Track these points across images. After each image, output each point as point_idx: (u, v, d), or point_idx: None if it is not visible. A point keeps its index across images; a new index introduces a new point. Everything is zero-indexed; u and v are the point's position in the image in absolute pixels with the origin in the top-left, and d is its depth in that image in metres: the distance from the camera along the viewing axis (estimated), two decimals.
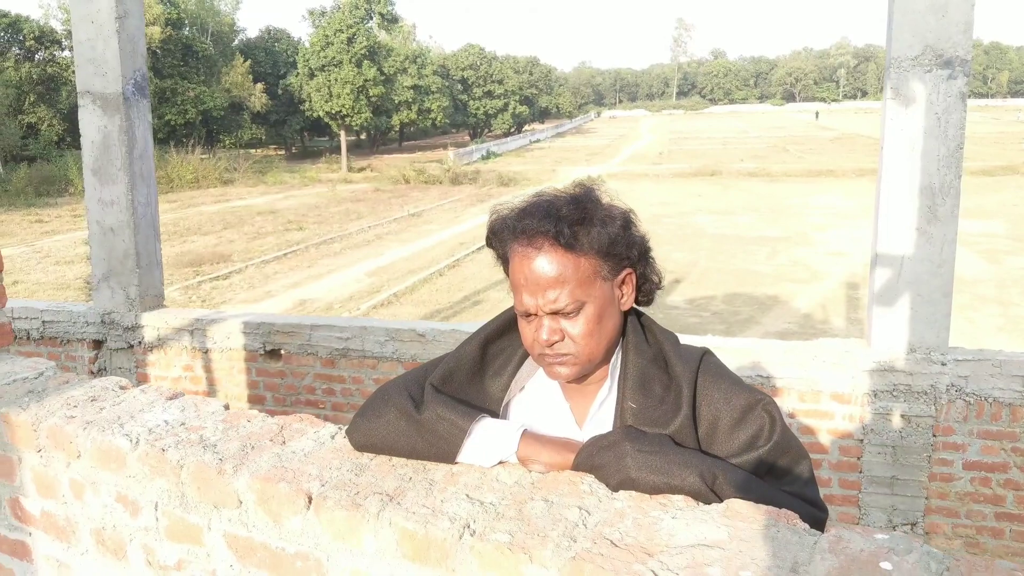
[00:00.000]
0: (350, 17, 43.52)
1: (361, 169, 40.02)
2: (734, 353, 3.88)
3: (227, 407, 1.52)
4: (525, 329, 1.29)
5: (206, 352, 4.89)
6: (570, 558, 0.98)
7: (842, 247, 16.82)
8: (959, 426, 3.62)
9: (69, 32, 38.83)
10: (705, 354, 1.31)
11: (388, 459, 1.28)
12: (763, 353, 3.87)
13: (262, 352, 4.78)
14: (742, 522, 1.03)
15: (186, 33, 42.25)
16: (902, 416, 3.70)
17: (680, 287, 14.28)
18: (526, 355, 1.37)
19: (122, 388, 1.66)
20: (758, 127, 72.34)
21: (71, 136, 37.00)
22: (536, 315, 1.25)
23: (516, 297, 1.28)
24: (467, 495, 1.14)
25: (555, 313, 1.24)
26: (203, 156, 35.83)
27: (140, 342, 4.99)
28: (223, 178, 34.59)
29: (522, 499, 1.13)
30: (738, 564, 0.94)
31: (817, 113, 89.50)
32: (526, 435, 1.24)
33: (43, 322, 5.15)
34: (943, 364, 3.59)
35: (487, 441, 1.23)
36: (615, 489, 1.14)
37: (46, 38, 38.18)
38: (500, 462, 1.24)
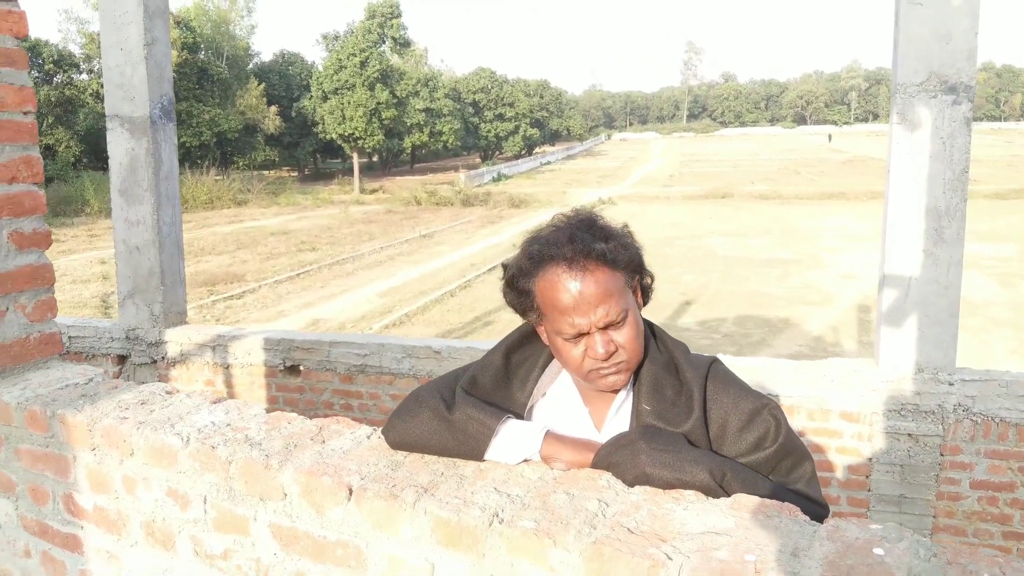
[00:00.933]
0: (363, 41, 44.10)
1: (373, 191, 40.37)
2: (744, 372, 3.93)
3: (267, 410, 1.64)
4: (571, 351, 1.36)
5: (227, 367, 5.02)
6: (591, 543, 1.09)
7: (854, 270, 16.85)
8: (966, 445, 3.68)
9: (87, 56, 39.60)
10: (714, 362, 1.42)
11: (421, 456, 1.39)
12: (773, 372, 3.95)
13: (282, 368, 4.90)
14: (748, 513, 1.13)
15: (202, 57, 42.92)
16: (910, 435, 3.76)
17: (691, 309, 14.32)
18: (547, 363, 1.48)
19: (168, 393, 1.78)
20: (769, 150, 72.52)
21: (88, 157, 37.55)
22: (588, 334, 1.35)
23: (560, 322, 1.35)
24: (495, 488, 1.25)
25: (607, 327, 1.34)
26: (217, 177, 36.26)
27: (163, 357, 5.12)
28: (237, 199, 34.98)
29: (546, 492, 1.23)
30: (744, 548, 1.04)
31: (830, 136, 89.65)
32: (549, 435, 1.34)
33: (69, 337, 5.29)
34: (950, 384, 3.66)
35: (513, 440, 1.34)
36: (631, 484, 1.24)
37: (64, 61, 38.89)
38: (525, 460, 1.34)
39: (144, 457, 1.56)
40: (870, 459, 3.84)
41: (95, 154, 37.23)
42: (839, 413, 3.87)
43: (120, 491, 1.62)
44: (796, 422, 3.91)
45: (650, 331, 1.46)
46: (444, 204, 33.12)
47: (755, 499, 1.16)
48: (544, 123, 71.80)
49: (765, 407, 1.34)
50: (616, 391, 1.41)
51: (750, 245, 21.03)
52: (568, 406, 1.46)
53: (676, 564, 1.03)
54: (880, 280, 3.83)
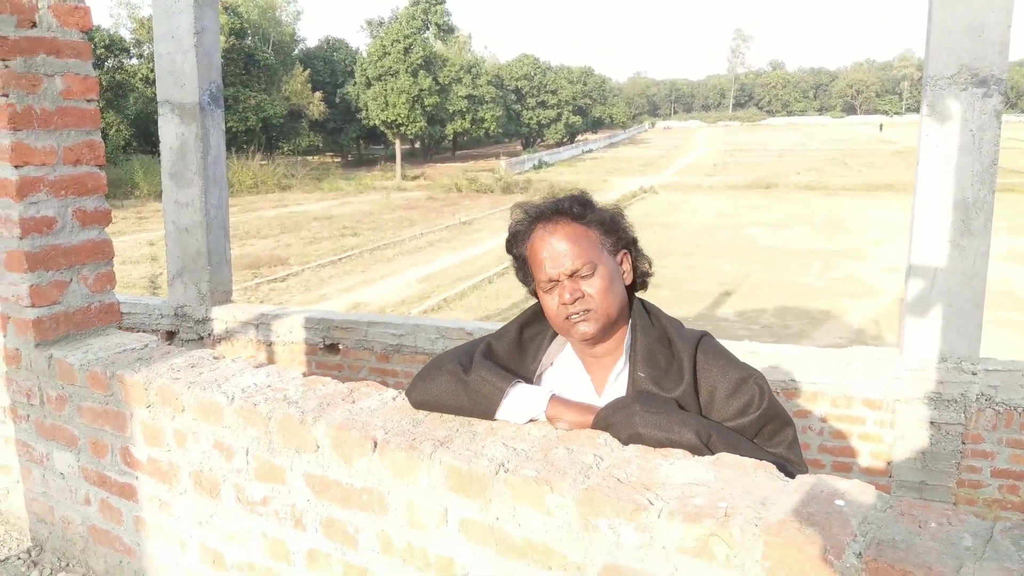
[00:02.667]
0: (407, 27, 44.37)
1: (415, 177, 40.70)
2: (769, 359, 4.04)
3: (304, 375, 1.80)
4: (549, 302, 1.53)
5: (270, 345, 5.24)
6: (583, 489, 1.22)
7: (898, 262, 16.58)
8: (988, 434, 3.72)
9: (137, 41, 40.44)
10: (704, 336, 1.55)
11: (439, 416, 1.54)
12: (797, 359, 4.02)
13: (321, 346, 5.10)
14: (727, 469, 1.25)
15: (248, 43, 43.54)
16: (932, 423, 3.81)
17: (731, 300, 14.24)
18: (554, 337, 1.62)
19: (215, 358, 1.96)
20: (816, 139, 71.18)
21: (137, 141, 38.38)
22: (558, 282, 1.50)
23: (539, 274, 1.53)
24: (503, 443, 1.39)
25: (573, 275, 1.49)
26: (262, 162, 36.88)
27: (209, 334, 5.35)
28: (281, 184, 35.56)
29: (548, 447, 1.37)
30: (718, 497, 1.17)
31: (881, 125, 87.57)
32: (554, 398, 1.48)
33: (122, 314, 5.56)
34: (974, 374, 3.70)
35: (521, 402, 1.48)
36: (625, 443, 1.38)
37: (115, 46, 39.69)
38: (532, 420, 1.48)
39: (194, 413, 1.73)
40: (892, 446, 3.90)
41: (144, 138, 38.06)
42: (862, 400, 3.92)
43: (172, 444, 1.80)
44: (819, 409, 3.98)
45: (644, 308, 1.58)
46: (484, 191, 33.27)
47: (736, 457, 1.29)
48: (587, 110, 71.46)
49: (751, 377, 1.47)
50: (592, 340, 1.53)
51: (793, 236, 20.78)
52: (572, 374, 1.60)
53: (656, 508, 1.16)
54: (906, 270, 3.87)
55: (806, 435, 3.97)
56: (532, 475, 1.27)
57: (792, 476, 1.27)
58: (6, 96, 1.97)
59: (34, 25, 2.01)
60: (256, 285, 15.44)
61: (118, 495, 1.98)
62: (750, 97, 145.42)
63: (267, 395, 1.68)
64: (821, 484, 1.19)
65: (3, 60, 1.95)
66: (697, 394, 1.45)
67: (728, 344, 4.23)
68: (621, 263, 1.56)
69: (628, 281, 1.57)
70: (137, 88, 38.90)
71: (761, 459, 1.30)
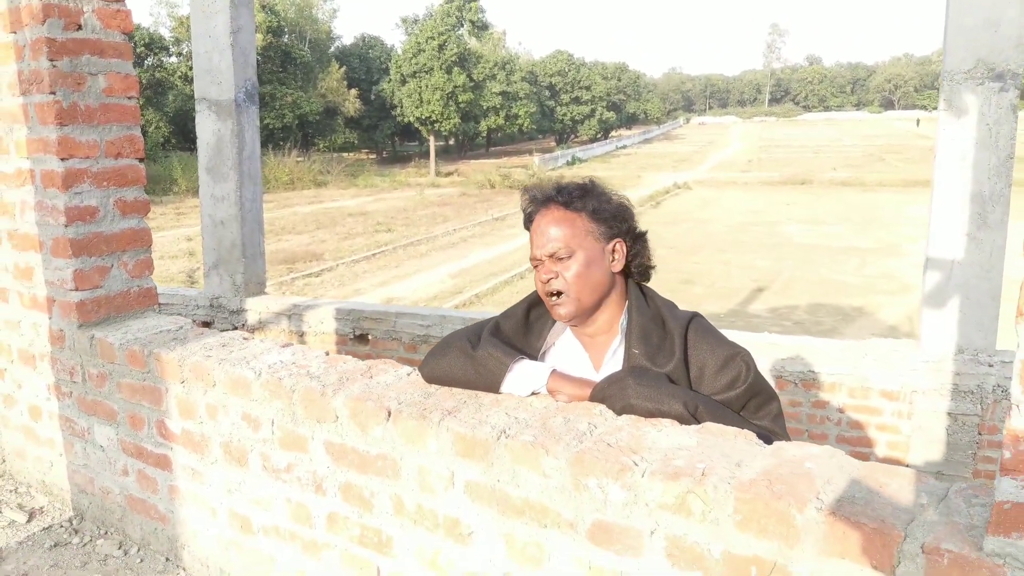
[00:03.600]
0: (441, 24, 44.64)
1: (448, 174, 40.96)
2: (788, 350, 4.09)
3: (327, 353, 1.93)
4: (535, 278, 1.66)
5: (301, 335, 5.41)
6: (575, 452, 1.33)
7: None
8: (1004, 425, 3.74)
9: (177, 39, 41.16)
10: (695, 316, 1.65)
11: (449, 389, 1.66)
12: (815, 351, 4.07)
13: (351, 336, 5.25)
14: (709, 436, 1.35)
15: (285, 40, 44.15)
16: (949, 414, 3.84)
17: (763, 296, 14.16)
18: (554, 320, 1.73)
19: (245, 339, 2.10)
20: (853, 135, 70.05)
21: (176, 138, 39.06)
22: (541, 261, 1.63)
23: (530, 253, 1.68)
24: (506, 413, 1.50)
25: (552, 257, 1.62)
26: (298, 159, 37.39)
27: (243, 324, 5.54)
28: (317, 180, 36.02)
29: (547, 416, 1.48)
30: (697, 459, 1.27)
31: (918, 121, 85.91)
32: (554, 373, 1.59)
33: (160, 304, 5.77)
34: (990, 365, 3.72)
35: (524, 376, 1.59)
36: (619, 413, 1.48)
37: (155, 44, 40.42)
38: (533, 393, 1.59)
39: (224, 388, 1.87)
40: (909, 436, 3.93)
41: (183, 135, 38.73)
42: (879, 391, 3.96)
43: (204, 416, 1.95)
44: (836, 399, 4.03)
45: (640, 291, 1.69)
46: (518, 188, 33.12)
47: (719, 426, 1.39)
48: (621, 106, 71.23)
49: (738, 354, 1.57)
50: (567, 322, 1.67)
51: (827, 232, 20.56)
52: (573, 352, 1.72)
53: (640, 469, 1.26)
54: (924, 263, 3.90)
55: (824, 425, 4.03)
56: (530, 440, 1.38)
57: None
58: (53, 93, 2.13)
59: (79, 28, 2.17)
60: (291, 280, 15.73)
61: (154, 465, 2.13)
62: (786, 92, 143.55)
63: (291, 371, 1.82)
64: (794, 448, 1.28)
65: (51, 60, 2.11)
66: (688, 369, 1.55)
67: (749, 335, 4.29)
68: (613, 251, 1.65)
69: (616, 268, 1.66)
70: (176, 86, 39.61)
71: (743, 428, 1.39)
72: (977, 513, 1.11)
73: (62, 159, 2.15)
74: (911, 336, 11.75)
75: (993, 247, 3.65)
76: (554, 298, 1.62)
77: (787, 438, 1.52)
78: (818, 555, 1.12)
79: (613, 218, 1.65)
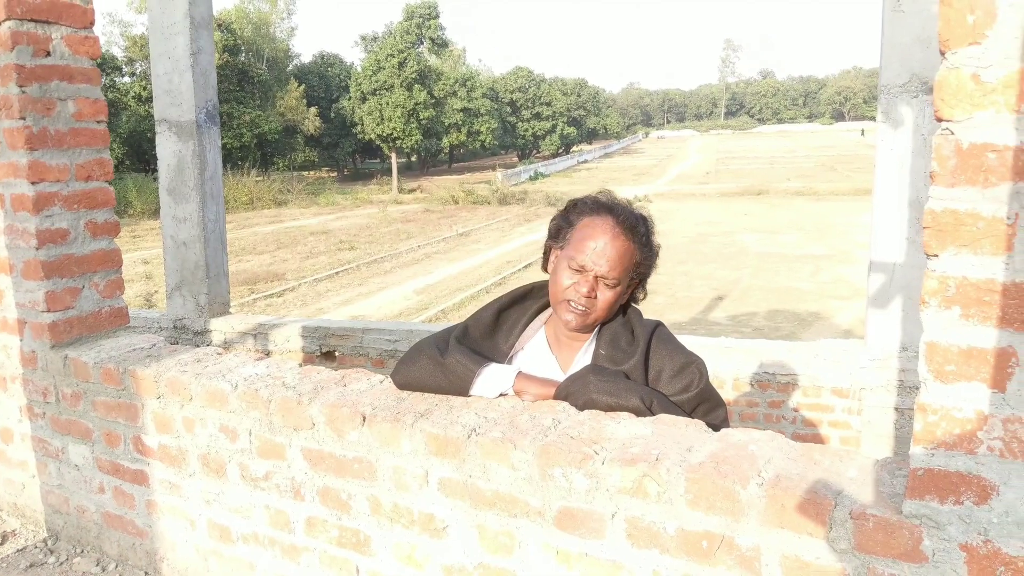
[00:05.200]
0: (401, 42, 44.77)
1: (411, 190, 40.96)
2: (745, 353, 4.24)
3: (301, 365, 2.01)
4: (564, 277, 1.69)
5: (268, 354, 5.43)
6: (541, 445, 1.44)
7: None
8: (915, 401, 3.92)
9: (130, 59, 40.63)
10: (658, 325, 1.77)
11: (421, 394, 1.75)
12: (770, 352, 4.24)
13: (318, 354, 5.30)
14: (663, 426, 1.46)
15: (242, 59, 43.83)
16: (896, 409, 4.02)
17: (723, 304, 14.41)
18: (528, 323, 1.83)
19: (219, 353, 2.16)
20: (806, 146, 71.64)
21: (130, 160, 38.43)
22: (586, 271, 1.67)
23: (577, 253, 1.67)
24: (476, 413, 1.61)
25: (600, 278, 1.67)
26: (258, 178, 37.05)
27: (208, 345, 5.55)
28: (277, 200, 35.74)
29: (514, 415, 1.59)
30: (652, 446, 1.38)
31: (863, 131, 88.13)
32: (520, 374, 1.70)
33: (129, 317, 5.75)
34: None
35: (492, 379, 1.70)
36: (581, 408, 1.59)
37: (107, 65, 39.65)
38: (501, 394, 1.69)
39: (201, 401, 1.94)
40: (860, 431, 4.10)
41: (137, 156, 38.13)
42: (831, 389, 4.13)
43: (181, 430, 2.01)
44: (792, 398, 4.19)
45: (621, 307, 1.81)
46: (481, 203, 33.50)
47: (672, 417, 1.51)
48: (581, 121, 71.99)
49: (693, 363, 1.70)
50: (571, 329, 1.74)
51: (783, 241, 21.01)
52: (541, 355, 1.82)
53: (601, 457, 1.37)
54: (868, 266, 4.09)
55: (780, 424, 4.18)
56: (499, 436, 1.48)
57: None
58: (23, 119, 2.18)
59: (48, 54, 2.23)
60: (253, 301, 15.59)
61: (131, 481, 2.18)
62: (741, 106, 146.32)
63: (267, 382, 1.89)
64: (739, 434, 1.40)
65: (21, 86, 2.17)
66: (646, 371, 1.67)
67: (707, 340, 4.44)
68: (629, 288, 1.76)
69: (622, 301, 1.77)
70: (129, 106, 39.01)
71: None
72: (899, 482, 1.23)
73: (33, 183, 2.21)
74: (860, 339, 12.06)
75: None
76: (576, 305, 1.68)
77: None
78: (761, 526, 1.24)
79: (650, 265, 1.75)
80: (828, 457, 1.30)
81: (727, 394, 4.18)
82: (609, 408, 1.57)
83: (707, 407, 1.68)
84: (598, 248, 1.66)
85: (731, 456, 1.31)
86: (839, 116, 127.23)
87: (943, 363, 1.09)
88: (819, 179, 37.52)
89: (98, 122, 2.39)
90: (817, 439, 4.15)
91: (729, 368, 4.16)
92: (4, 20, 2.14)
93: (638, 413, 1.55)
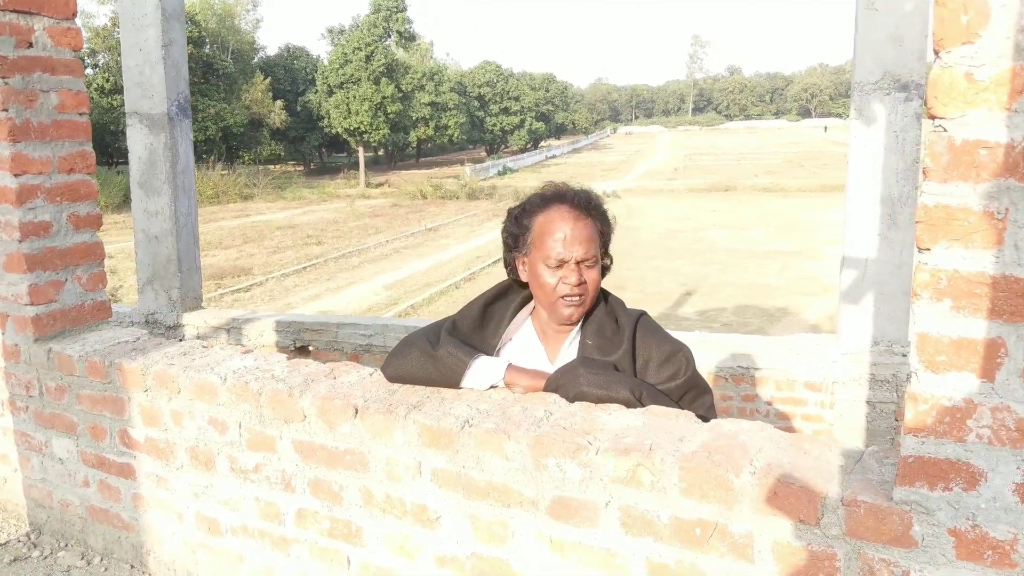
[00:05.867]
0: (368, 35, 44.44)
1: (379, 185, 40.72)
2: (719, 347, 4.31)
3: (288, 357, 2.01)
4: (548, 277, 1.71)
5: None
6: (535, 435, 1.46)
7: None
8: (906, 391, 4.02)
9: (92, 50, 39.83)
10: (642, 315, 1.80)
11: (412, 387, 1.76)
12: (744, 347, 4.30)
13: (292, 348, 5.26)
14: (654, 417, 1.50)
15: (207, 51, 43.17)
16: (867, 402, 4.11)
17: (691, 299, 14.56)
18: (514, 314, 1.86)
19: (205, 347, 2.16)
20: (773, 143, 72.53)
21: (95, 153, 37.71)
22: (567, 262, 1.70)
23: (550, 250, 1.70)
24: (468, 405, 1.62)
25: (582, 262, 1.70)
26: (223, 172, 36.59)
27: (181, 339, 5.48)
28: (243, 194, 35.33)
29: (506, 406, 1.61)
30: (644, 437, 1.41)
31: (826, 127, 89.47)
32: (511, 367, 1.72)
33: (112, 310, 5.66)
34: (904, 355, 4.00)
35: (482, 371, 1.71)
36: (571, 400, 1.62)
37: None
38: (492, 387, 1.71)
39: (190, 394, 1.93)
40: (832, 424, 4.19)
41: (100, 149, 37.35)
42: (804, 383, 4.21)
43: (169, 424, 2.00)
44: (765, 392, 4.27)
45: (601, 292, 1.83)
46: (450, 198, 33.46)
47: (662, 408, 1.54)
48: (550, 117, 72.10)
49: (679, 351, 1.74)
50: (572, 323, 1.77)
51: (751, 237, 21.28)
52: (529, 346, 1.84)
53: (594, 447, 1.40)
54: (841, 262, 4.17)
55: (754, 417, 4.25)
56: (492, 427, 1.50)
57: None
58: (6, 111, 2.15)
59: (31, 45, 2.20)
60: (220, 296, 15.41)
61: (117, 475, 2.16)
62: (709, 102, 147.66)
63: (256, 375, 1.89)
64: (729, 424, 1.44)
65: (3, 78, 2.13)
66: (634, 361, 1.70)
67: (682, 334, 4.50)
68: (604, 259, 1.79)
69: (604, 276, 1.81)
70: (92, 98, 38.24)
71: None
72: (888, 470, 1.28)
73: (15, 175, 2.18)
74: (832, 335, 12.27)
75: (903, 245, 3.93)
76: (571, 298, 1.71)
77: None
78: (753, 514, 1.27)
79: (611, 232, 1.80)
80: (818, 447, 1.35)
81: None
82: (599, 400, 1.59)
83: (694, 394, 1.71)
84: (567, 237, 1.69)
85: (723, 446, 1.35)
86: (806, 113, 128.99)
87: (934, 353, 1.13)
88: (786, 175, 38.03)
89: (80, 114, 2.36)
90: (790, 432, 4.22)
91: (703, 362, 4.22)
92: None
93: (628, 405, 1.58)
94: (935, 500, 1.15)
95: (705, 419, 1.66)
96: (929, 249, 1.11)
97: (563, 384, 1.64)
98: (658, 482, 1.34)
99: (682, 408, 1.67)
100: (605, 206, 1.79)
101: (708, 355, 4.28)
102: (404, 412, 1.61)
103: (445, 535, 1.60)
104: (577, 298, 1.71)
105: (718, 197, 31.48)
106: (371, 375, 1.87)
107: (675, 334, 4.47)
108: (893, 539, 1.18)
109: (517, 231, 1.77)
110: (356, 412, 1.67)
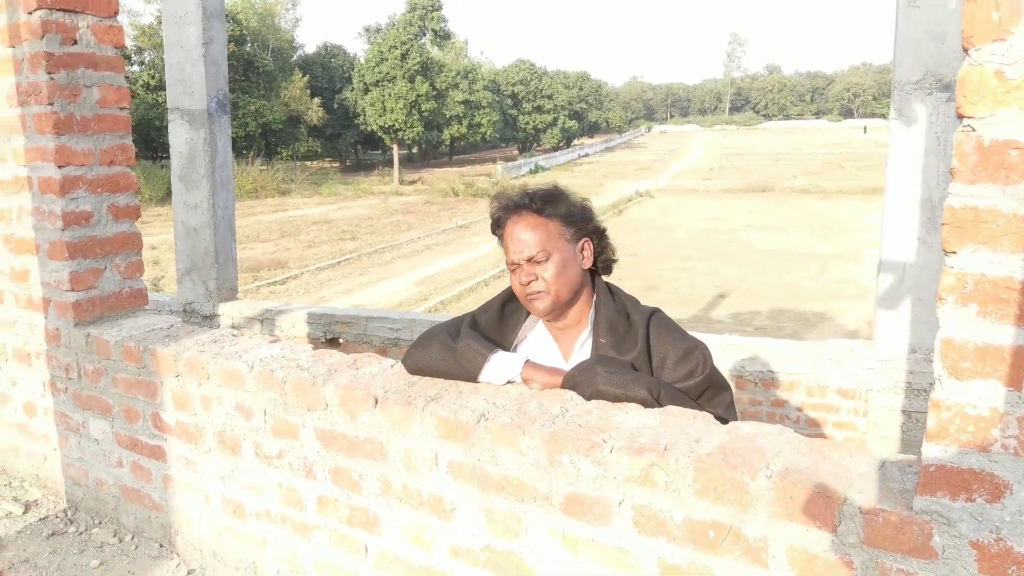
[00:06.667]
0: (404, 34, 44.72)
1: (412, 182, 40.98)
2: (747, 351, 4.26)
3: (314, 347, 2.05)
4: (513, 280, 1.80)
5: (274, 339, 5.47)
6: (549, 431, 1.47)
7: None
8: (929, 397, 3.94)
9: (139, 48, 40.63)
10: (655, 311, 1.81)
11: (431, 379, 1.79)
12: (774, 351, 4.25)
13: (323, 340, 5.33)
14: (671, 417, 1.50)
15: (248, 49, 43.80)
16: (903, 411, 4.02)
17: (726, 302, 14.39)
18: (528, 314, 1.87)
19: (234, 335, 2.20)
20: (813, 143, 71.42)
21: (138, 147, 38.45)
22: (519, 265, 1.77)
23: (506, 255, 1.80)
24: (485, 399, 1.64)
25: (530, 260, 1.75)
26: (262, 168, 37.12)
27: (216, 328, 5.58)
28: (280, 189, 35.81)
29: (523, 401, 1.62)
30: (660, 437, 1.41)
31: (865, 128, 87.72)
32: (528, 363, 1.74)
33: (148, 298, 5.78)
34: None
35: (500, 366, 1.73)
36: (588, 399, 1.62)
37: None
38: (509, 382, 1.73)
39: (218, 380, 1.98)
40: (866, 433, 4.12)
41: (145, 143, 38.17)
42: (836, 390, 4.14)
43: (198, 408, 2.05)
44: (795, 398, 4.21)
45: (607, 287, 1.86)
46: (481, 195, 33.53)
47: (680, 408, 1.54)
48: (583, 115, 71.87)
49: (696, 348, 1.74)
50: (545, 316, 1.81)
51: (788, 239, 20.98)
52: (544, 344, 1.87)
53: (609, 446, 1.40)
54: (878, 266, 4.09)
55: (783, 423, 4.20)
56: (508, 422, 1.52)
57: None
58: (51, 105, 2.22)
59: (75, 42, 2.27)
60: (256, 288, 15.65)
61: (148, 456, 2.22)
62: (746, 101, 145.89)
63: (282, 364, 1.93)
64: (747, 427, 1.43)
65: (49, 73, 2.21)
66: (650, 359, 1.71)
67: (711, 337, 4.47)
68: (582, 249, 1.81)
69: (587, 265, 1.83)
70: (138, 95, 39.01)
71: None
72: (909, 479, 1.26)
73: (59, 166, 2.25)
74: (868, 340, 12.04)
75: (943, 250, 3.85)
76: (532, 295, 1.76)
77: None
78: (769, 518, 1.27)
79: (581, 219, 1.81)
80: (838, 452, 1.33)
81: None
82: (616, 399, 1.60)
83: (712, 392, 1.72)
84: (513, 240, 1.76)
85: (740, 448, 1.34)
86: (847, 113, 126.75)
87: (958, 360, 1.10)
88: (826, 177, 37.46)
89: (121, 108, 2.43)
90: (821, 439, 4.17)
91: (732, 366, 4.18)
92: (35, 9, 2.19)
93: (646, 405, 1.58)
94: (957, 511, 1.13)
95: (723, 419, 1.66)
96: (955, 252, 1.09)
97: (580, 382, 1.65)
98: (672, 482, 1.34)
99: (701, 406, 1.67)
100: (563, 194, 1.83)
101: (737, 359, 4.23)
102: (422, 404, 1.63)
103: (460, 527, 1.61)
104: (537, 293, 1.75)
105: (754, 198, 31.11)
106: (392, 367, 1.89)
107: (705, 336, 4.45)
108: (912, 549, 1.16)
109: (500, 241, 1.87)
110: (376, 402, 1.69)
